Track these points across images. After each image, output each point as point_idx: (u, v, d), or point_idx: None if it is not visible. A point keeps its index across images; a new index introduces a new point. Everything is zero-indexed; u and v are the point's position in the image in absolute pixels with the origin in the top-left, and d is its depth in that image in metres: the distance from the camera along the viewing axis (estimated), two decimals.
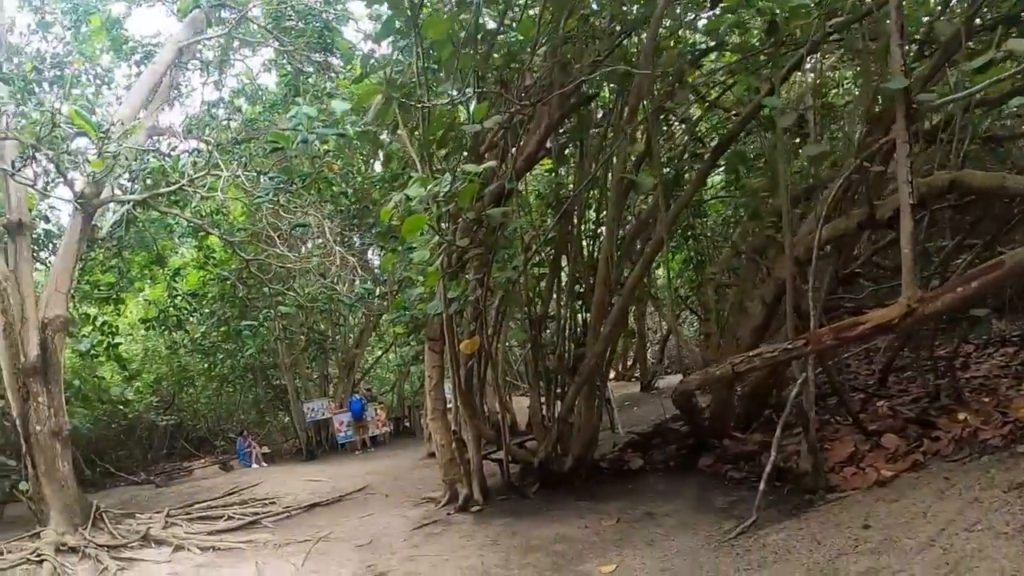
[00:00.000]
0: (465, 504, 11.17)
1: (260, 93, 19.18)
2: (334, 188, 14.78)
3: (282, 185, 13.46)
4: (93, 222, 15.03)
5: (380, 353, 28.81)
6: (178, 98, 19.11)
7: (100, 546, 11.79)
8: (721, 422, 11.63)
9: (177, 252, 25.26)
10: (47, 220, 17.62)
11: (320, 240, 17.00)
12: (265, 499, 15.25)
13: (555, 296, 12.19)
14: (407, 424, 27.28)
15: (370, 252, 18.11)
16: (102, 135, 11.35)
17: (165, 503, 15.82)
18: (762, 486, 8.01)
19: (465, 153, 10.56)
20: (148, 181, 15.47)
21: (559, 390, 11.75)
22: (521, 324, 11.94)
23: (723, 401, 11.75)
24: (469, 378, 11.03)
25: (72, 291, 16.97)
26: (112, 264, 20.83)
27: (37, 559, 11.15)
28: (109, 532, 12.74)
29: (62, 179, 12.89)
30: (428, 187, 7.07)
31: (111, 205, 18.42)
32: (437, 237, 7.70)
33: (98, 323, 20.40)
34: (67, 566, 10.95)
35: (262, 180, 13.98)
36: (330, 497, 14.47)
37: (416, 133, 9.88)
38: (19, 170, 11.73)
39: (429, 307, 10.25)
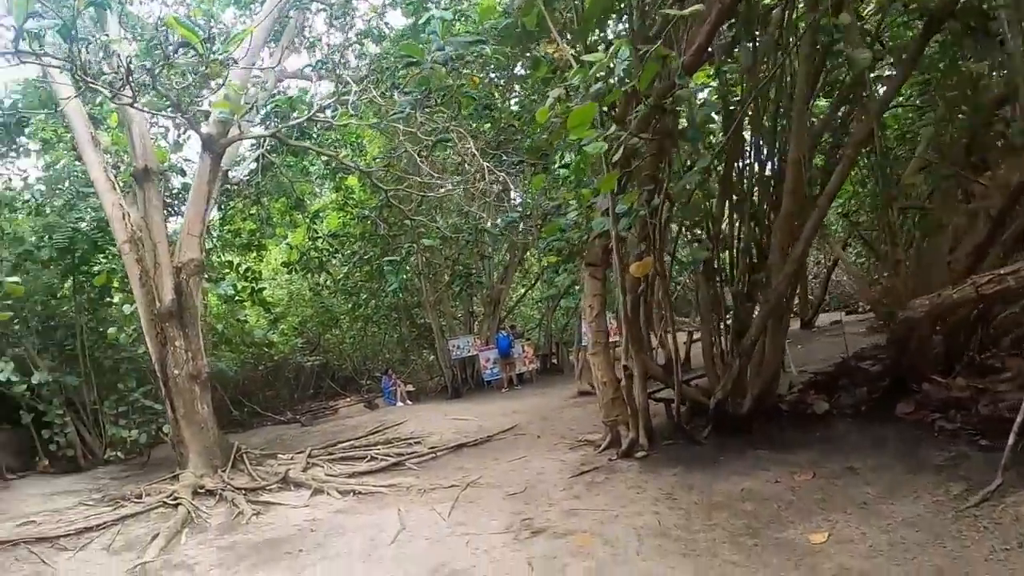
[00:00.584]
0: (629, 449, 9.79)
1: (387, 31, 17.92)
2: (475, 103, 13.37)
3: (419, 100, 12.03)
4: (227, 169, 14.82)
5: (524, 290, 27.59)
6: (304, 44, 18.55)
7: (238, 489, 11.19)
8: (921, 363, 9.87)
9: (316, 195, 24.85)
10: (183, 173, 17.16)
11: (463, 165, 15.71)
12: (409, 438, 14.37)
13: (727, 215, 10.52)
14: (554, 361, 26.00)
15: (512, 187, 16.66)
16: (207, 44, 10.22)
17: (308, 442, 15.37)
18: (1011, 440, 6.33)
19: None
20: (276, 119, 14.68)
21: (734, 321, 10.09)
22: (700, 242, 10.13)
23: (923, 339, 9.90)
24: (636, 306, 9.48)
25: (208, 236, 16.86)
26: (252, 212, 20.61)
27: (173, 502, 10.70)
28: (248, 474, 12.20)
29: (178, 114, 11.99)
30: (598, 64, 5.60)
31: (246, 154, 18.12)
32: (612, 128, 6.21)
33: (241, 270, 19.99)
34: (202, 509, 10.38)
35: (396, 98, 12.68)
36: (477, 437, 13.37)
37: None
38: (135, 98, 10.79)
39: (594, 223, 8.87)
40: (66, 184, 16.45)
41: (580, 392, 17.00)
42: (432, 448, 12.87)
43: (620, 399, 10.32)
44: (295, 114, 12.85)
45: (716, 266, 10.44)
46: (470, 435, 13.67)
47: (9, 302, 9.77)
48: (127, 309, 14.40)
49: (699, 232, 10.64)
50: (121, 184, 13.71)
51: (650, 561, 6.27)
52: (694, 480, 8.30)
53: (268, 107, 14.62)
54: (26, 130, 16.95)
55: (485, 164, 11.83)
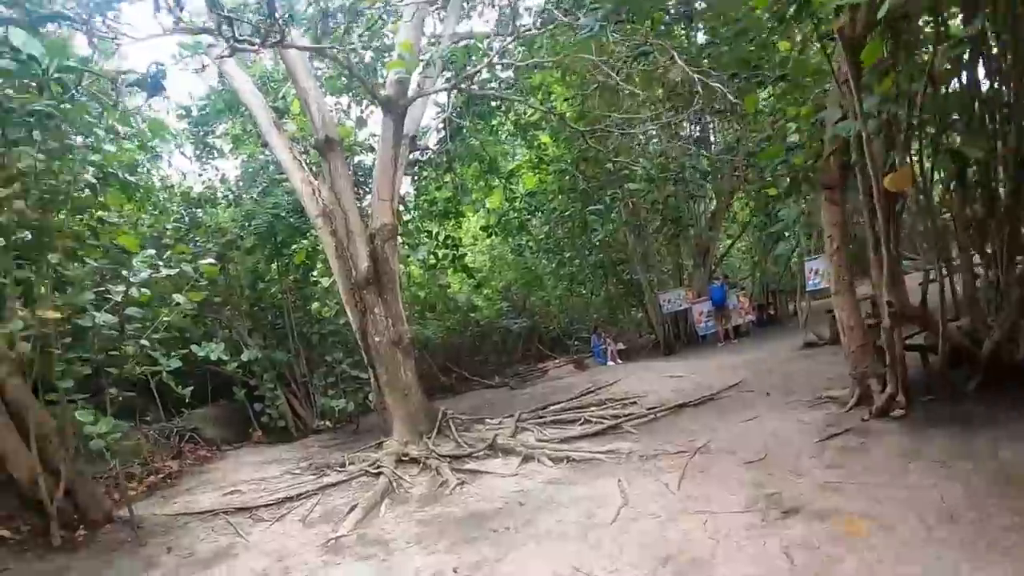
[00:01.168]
0: (886, 406, 8.24)
1: None
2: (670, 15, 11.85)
3: (607, 15, 10.51)
4: (413, 134, 14.27)
5: (732, 241, 25.66)
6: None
7: (442, 456, 10.58)
8: None
9: (509, 157, 24.17)
10: (371, 150, 16.94)
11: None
12: (624, 399, 13.22)
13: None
14: (771, 312, 23.92)
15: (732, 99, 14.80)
16: None
17: (517, 406, 14.56)
18: None
19: None
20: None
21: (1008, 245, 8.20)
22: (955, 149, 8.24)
23: None
24: (889, 231, 7.81)
25: (403, 206, 16.39)
26: (445, 180, 20.19)
27: (375, 471, 10.27)
28: (454, 440, 11.60)
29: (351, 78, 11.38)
30: None
31: (431, 124, 17.70)
32: None
33: (440, 238, 19.71)
34: (404, 479, 9.80)
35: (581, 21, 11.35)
36: (699, 396, 12.07)
37: None
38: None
39: (839, 128, 7.34)
40: (260, 175, 17.19)
41: (807, 343, 15.36)
42: (650, 409, 11.67)
43: (869, 347, 8.81)
44: (473, 63, 11.81)
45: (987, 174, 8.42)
46: (690, 394, 12.40)
47: (205, 283, 9.64)
48: (326, 282, 14.21)
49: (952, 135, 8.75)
50: (308, 163, 13.60)
51: (946, 556, 4.87)
52: (974, 445, 6.77)
53: (444, 59, 13.81)
54: (217, 132, 18.67)
55: (695, 75, 10.06)
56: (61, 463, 8.10)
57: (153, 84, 6.07)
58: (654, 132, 15.16)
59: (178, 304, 9.24)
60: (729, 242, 25.59)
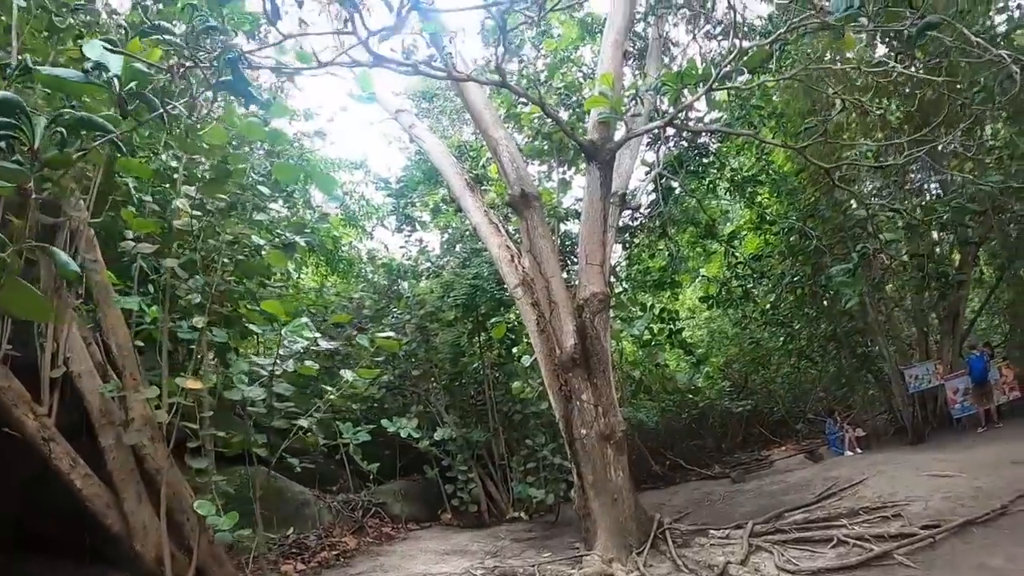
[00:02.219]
0: None
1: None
2: None
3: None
4: (624, 192, 12.73)
5: (986, 297, 21.63)
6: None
7: None
8: None
9: (727, 219, 22.19)
10: (578, 216, 15.36)
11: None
12: (881, 507, 10.50)
13: None
14: None
15: None
16: None
17: (743, 507, 12.88)
18: None
19: None
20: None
21: None
22: None
23: None
24: None
25: (615, 275, 14.97)
26: (659, 247, 18.93)
27: None
28: (672, 559, 9.40)
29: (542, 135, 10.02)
30: None
31: (641, 184, 16.62)
32: None
33: (656, 310, 17.93)
34: None
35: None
36: (985, 510, 9.24)
37: None
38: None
39: None
40: (460, 244, 16.84)
41: None
42: (925, 528, 8.97)
43: None
44: (687, 94, 9.84)
45: None
46: (969, 503, 9.67)
47: (380, 359, 8.73)
48: (526, 360, 12.54)
49: None
50: (508, 229, 12.30)
51: None
52: None
53: (655, 90, 12.09)
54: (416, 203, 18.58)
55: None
56: (195, 541, 7.31)
57: (237, 81, 4.60)
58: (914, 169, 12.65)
59: (347, 382, 8.49)
60: (978, 302, 21.80)
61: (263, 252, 8.99)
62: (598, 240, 11.04)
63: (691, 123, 12.69)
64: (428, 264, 17.39)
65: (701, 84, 9.34)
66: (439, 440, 14.15)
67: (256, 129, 7.50)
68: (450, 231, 17.87)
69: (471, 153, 17.02)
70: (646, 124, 12.24)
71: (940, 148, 13.57)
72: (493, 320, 14.58)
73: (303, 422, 8.26)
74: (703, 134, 17.47)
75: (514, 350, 14.70)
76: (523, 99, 13.10)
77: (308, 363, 8.36)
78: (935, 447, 15.81)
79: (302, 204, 12.30)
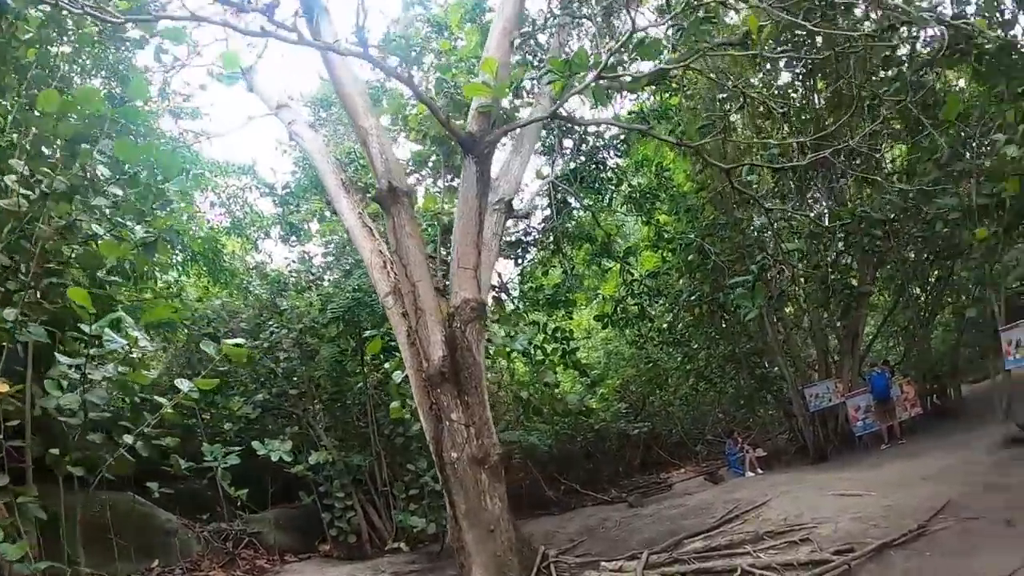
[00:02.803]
0: None
1: None
2: None
3: None
4: (509, 198, 11.28)
5: (884, 317, 21.18)
6: None
7: None
8: None
9: (625, 234, 22.09)
10: None
11: None
12: (788, 530, 9.50)
13: None
14: (936, 400, 18.97)
15: None
16: None
17: (641, 532, 12.02)
18: None
19: None
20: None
21: None
22: None
23: None
24: None
25: (502, 287, 15.74)
26: (553, 263, 17.92)
27: None
28: None
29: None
30: None
31: (536, 199, 16.27)
32: None
33: (549, 330, 16.68)
34: None
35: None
36: (901, 531, 8.25)
37: None
38: None
39: None
40: (344, 255, 15.90)
41: (1012, 439, 11.51)
42: (838, 553, 7.95)
43: None
44: (575, 82, 8.86)
45: None
46: (882, 524, 8.72)
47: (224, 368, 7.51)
48: (397, 376, 11.15)
49: None
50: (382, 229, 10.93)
51: None
52: None
53: (541, 79, 11.12)
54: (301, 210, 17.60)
55: None
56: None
57: None
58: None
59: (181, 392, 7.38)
60: (875, 325, 21.47)
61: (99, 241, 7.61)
62: (472, 242, 9.86)
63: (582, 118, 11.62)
64: (312, 276, 16.26)
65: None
66: (316, 464, 13.09)
67: (92, 95, 6.21)
68: (336, 240, 16.62)
69: (362, 161, 15.77)
70: (534, 113, 11.21)
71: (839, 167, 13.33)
72: (367, 334, 13.18)
73: (129, 439, 7.08)
74: (601, 150, 16.80)
75: (387, 365, 13.27)
76: (412, 99, 11.95)
77: (144, 372, 7.03)
78: (839, 466, 15.15)
79: (153, 195, 10.85)
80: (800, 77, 15.79)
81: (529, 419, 17.58)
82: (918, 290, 18.13)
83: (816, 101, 16.21)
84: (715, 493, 14.63)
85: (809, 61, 11.58)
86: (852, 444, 17.02)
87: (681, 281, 18.56)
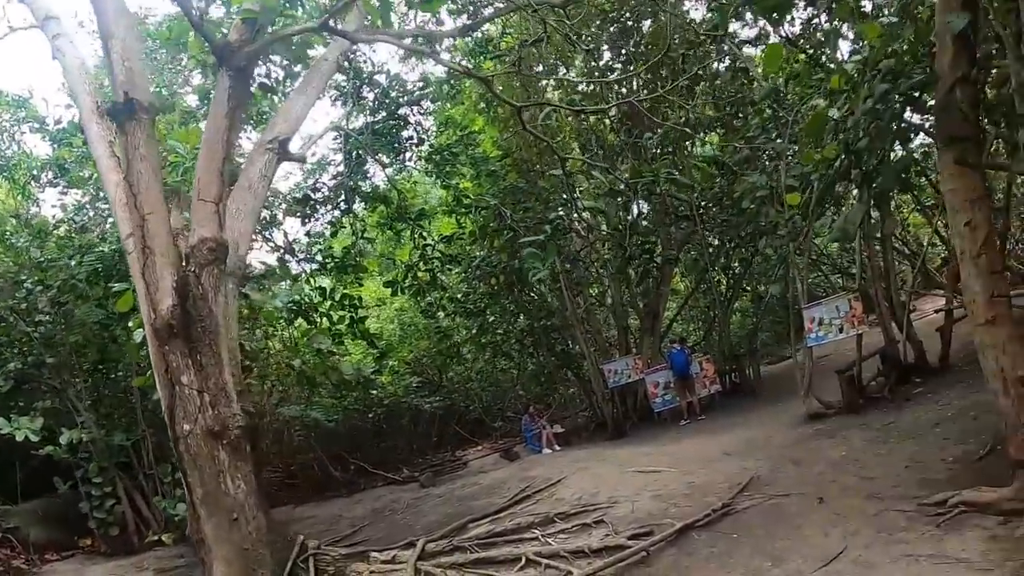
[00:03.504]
0: None
1: None
2: None
3: None
4: (285, 138, 9.67)
5: (684, 300, 21.21)
6: None
7: None
8: None
9: (423, 199, 20.93)
10: None
11: None
12: (582, 510, 8.50)
13: None
14: (735, 379, 18.18)
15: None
16: None
17: (429, 514, 11.12)
18: None
19: None
20: None
21: None
22: None
23: None
24: None
25: (287, 246, 14.76)
26: (343, 224, 16.51)
27: None
28: None
29: None
30: None
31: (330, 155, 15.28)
32: None
33: (337, 296, 15.20)
34: None
35: None
36: (705, 510, 7.27)
37: None
38: None
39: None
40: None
41: (812, 415, 10.99)
42: (635, 537, 6.86)
43: None
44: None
45: None
46: (683, 504, 7.80)
47: None
48: (138, 335, 9.19)
49: None
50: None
51: None
52: None
53: None
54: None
55: None
56: None
57: None
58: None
59: None
60: (678, 306, 21.25)
61: None
62: (216, 169, 8.15)
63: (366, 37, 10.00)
64: (76, 224, 14.08)
65: None
66: (71, 445, 11.31)
67: None
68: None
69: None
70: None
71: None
72: (116, 288, 10.69)
73: None
74: (404, 105, 15.38)
75: (130, 323, 11.14)
76: None
77: None
78: (638, 441, 14.45)
79: None
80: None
81: (314, 392, 15.91)
82: (720, 275, 17.83)
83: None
84: (511, 471, 13.55)
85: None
86: (652, 420, 16.33)
87: (476, 246, 17.37)
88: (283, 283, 14.28)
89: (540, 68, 15.55)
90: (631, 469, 10.33)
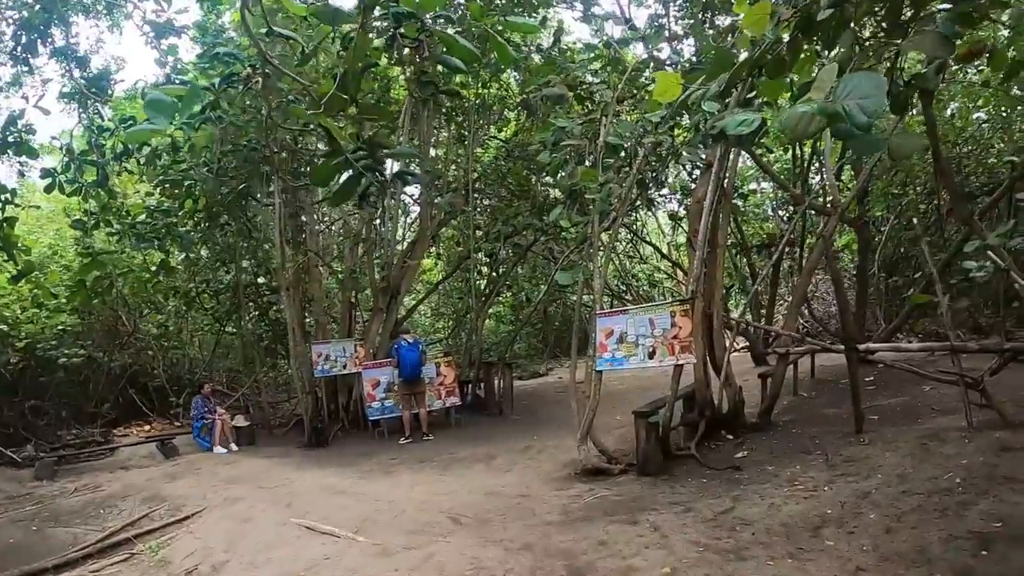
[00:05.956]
0: None
1: None
2: None
3: None
4: None
5: (436, 284, 17.74)
6: None
7: None
8: None
9: None
10: None
11: None
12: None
13: None
14: (479, 391, 14.36)
15: None
16: None
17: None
18: None
19: None
20: None
21: None
22: None
23: None
24: None
25: None
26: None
27: None
28: None
29: None
30: None
31: None
32: None
33: None
34: None
35: None
36: None
37: None
38: None
39: None
40: None
41: (588, 470, 7.58)
42: None
43: None
44: None
45: None
46: None
47: None
48: None
49: None
50: None
51: None
52: None
53: None
54: None
55: None
56: None
57: None
58: None
59: None
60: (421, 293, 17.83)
61: None
62: None
63: None
64: None
65: None
66: None
67: None
68: None
69: None
70: None
71: None
72: None
73: None
74: None
75: None
76: None
77: None
78: (338, 458, 10.51)
79: None
80: None
81: None
82: (485, 270, 15.45)
83: None
84: (149, 477, 9.50)
85: None
86: (365, 430, 12.53)
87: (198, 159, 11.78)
88: None
89: None
90: (300, 521, 6.59)
